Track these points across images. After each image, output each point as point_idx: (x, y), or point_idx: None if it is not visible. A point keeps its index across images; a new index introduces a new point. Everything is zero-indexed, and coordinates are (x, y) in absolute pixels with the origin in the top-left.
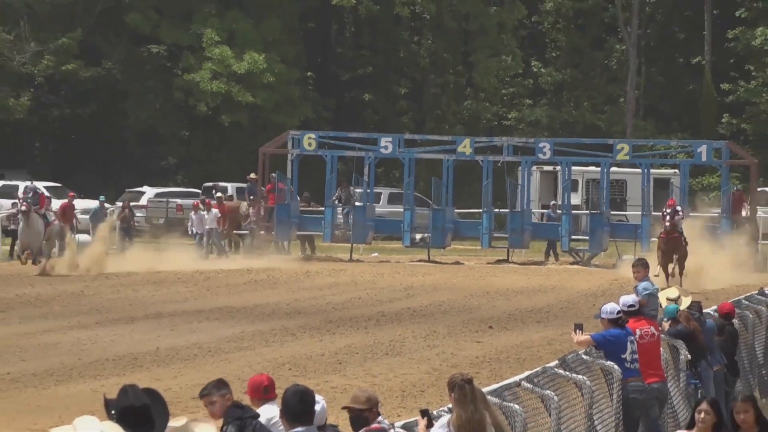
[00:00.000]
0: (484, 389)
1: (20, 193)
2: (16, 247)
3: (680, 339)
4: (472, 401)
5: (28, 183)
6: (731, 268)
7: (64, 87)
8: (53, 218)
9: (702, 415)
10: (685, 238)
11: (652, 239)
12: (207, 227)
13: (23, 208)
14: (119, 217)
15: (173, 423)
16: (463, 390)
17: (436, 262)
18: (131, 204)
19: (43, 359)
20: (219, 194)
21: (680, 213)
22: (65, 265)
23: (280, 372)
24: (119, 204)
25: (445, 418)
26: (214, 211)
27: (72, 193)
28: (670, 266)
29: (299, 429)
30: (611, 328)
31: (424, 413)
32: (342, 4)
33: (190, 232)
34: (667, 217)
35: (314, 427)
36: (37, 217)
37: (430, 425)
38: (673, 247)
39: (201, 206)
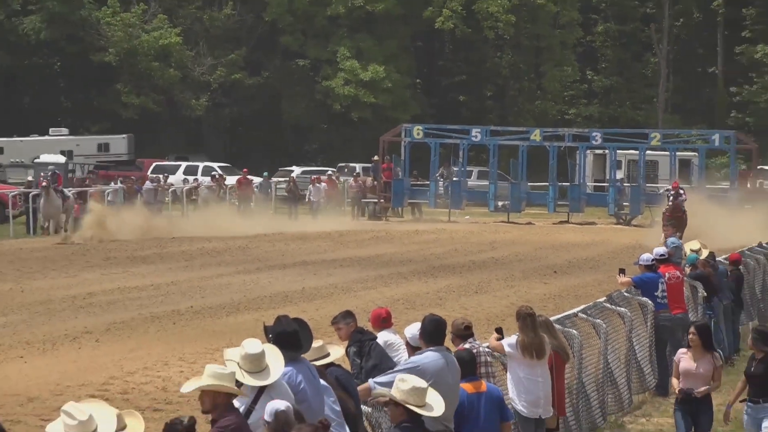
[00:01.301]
0: (551, 318)
1: (150, 174)
2: (39, 220)
3: (699, 281)
4: (533, 328)
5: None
6: (738, 227)
7: (233, 91)
8: (68, 195)
9: (690, 336)
10: (685, 212)
11: None
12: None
13: (44, 184)
14: (287, 189)
15: (314, 345)
16: (525, 320)
17: (513, 222)
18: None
19: (217, 296)
20: (356, 172)
21: (683, 195)
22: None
23: (395, 306)
24: (273, 180)
25: (514, 338)
26: (323, 185)
27: (246, 170)
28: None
29: (432, 348)
30: (646, 272)
31: (498, 330)
32: (443, 27)
33: (306, 200)
34: (670, 198)
35: (444, 347)
36: (54, 194)
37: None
38: (677, 225)
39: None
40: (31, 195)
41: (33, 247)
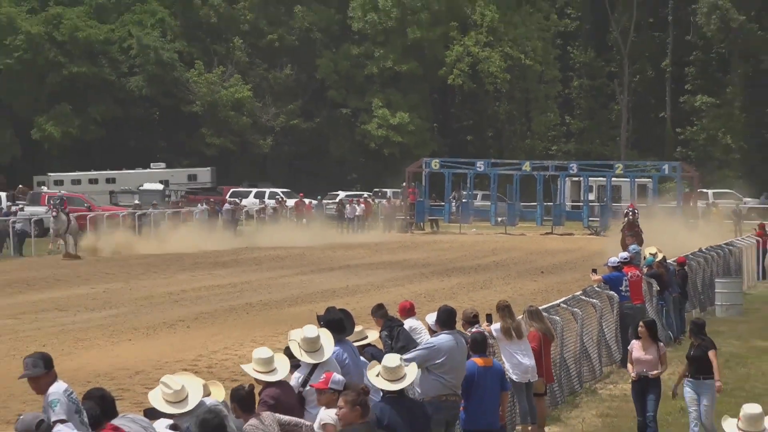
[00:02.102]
0: (540, 308)
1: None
2: (50, 236)
3: (654, 278)
4: (510, 315)
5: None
6: (683, 237)
7: (291, 133)
8: (73, 217)
9: (640, 329)
10: (640, 228)
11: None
12: (349, 215)
13: (53, 213)
14: (336, 209)
15: (356, 329)
16: (503, 311)
17: (509, 234)
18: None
19: (280, 293)
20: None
21: (636, 213)
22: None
23: (418, 299)
24: (324, 201)
25: (498, 325)
26: (361, 206)
27: (302, 194)
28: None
29: (446, 331)
30: (613, 272)
31: (488, 317)
32: (453, 83)
33: (344, 217)
34: (629, 215)
35: (457, 331)
36: (63, 215)
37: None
38: (635, 237)
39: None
40: (136, 215)
41: (138, 254)
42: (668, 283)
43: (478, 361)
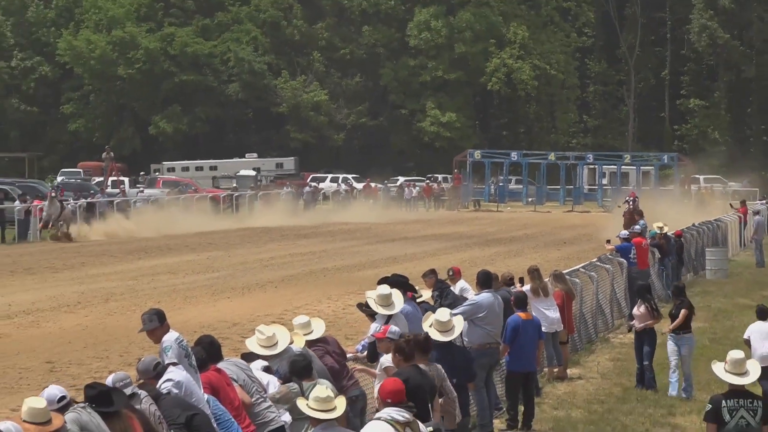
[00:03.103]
0: (564, 271)
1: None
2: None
3: (656, 248)
4: (538, 278)
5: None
6: (680, 214)
7: (360, 129)
8: (68, 203)
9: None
10: (641, 212)
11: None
12: (407, 197)
13: (52, 194)
14: (396, 191)
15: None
16: (532, 273)
17: (538, 211)
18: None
19: (351, 259)
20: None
21: (637, 200)
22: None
23: (463, 265)
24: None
25: (528, 285)
26: (417, 188)
27: (369, 179)
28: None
29: (486, 291)
30: (624, 243)
31: (521, 281)
32: (492, 89)
33: (403, 198)
34: (630, 203)
35: (493, 290)
36: (56, 201)
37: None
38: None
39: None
40: (234, 195)
41: (235, 228)
42: (668, 252)
43: (521, 315)
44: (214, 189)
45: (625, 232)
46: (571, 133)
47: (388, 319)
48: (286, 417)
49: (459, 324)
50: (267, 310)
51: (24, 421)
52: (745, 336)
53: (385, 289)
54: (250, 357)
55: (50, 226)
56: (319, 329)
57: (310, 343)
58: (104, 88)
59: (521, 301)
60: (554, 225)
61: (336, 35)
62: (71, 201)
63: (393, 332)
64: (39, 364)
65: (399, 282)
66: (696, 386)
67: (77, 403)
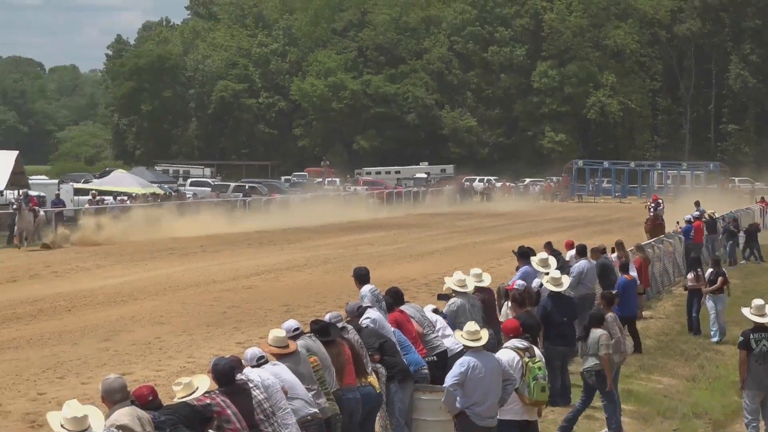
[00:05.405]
0: (642, 244)
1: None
2: (15, 233)
3: (707, 227)
4: (622, 249)
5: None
6: (720, 205)
7: (499, 146)
8: (40, 212)
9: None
10: (663, 220)
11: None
12: (532, 192)
13: (15, 206)
14: (523, 188)
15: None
16: (618, 246)
17: (622, 203)
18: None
19: (492, 235)
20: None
21: (661, 205)
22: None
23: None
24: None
25: (615, 254)
26: (538, 186)
27: (505, 179)
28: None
29: (583, 258)
30: (687, 225)
31: (604, 249)
32: (590, 118)
33: (529, 193)
34: (651, 209)
35: (594, 259)
36: (27, 212)
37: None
38: (657, 232)
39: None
40: (411, 191)
41: (412, 214)
42: (714, 231)
43: (627, 276)
44: (399, 187)
45: (689, 216)
46: (645, 149)
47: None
48: (448, 342)
49: (566, 281)
50: (435, 270)
51: (270, 345)
52: None
53: (543, 254)
54: (363, 278)
55: (25, 239)
56: (487, 280)
57: (477, 289)
58: (322, 117)
59: (625, 266)
60: (634, 213)
61: (482, 80)
62: (42, 211)
63: (519, 285)
64: (278, 307)
65: (524, 252)
66: (731, 327)
67: (306, 333)
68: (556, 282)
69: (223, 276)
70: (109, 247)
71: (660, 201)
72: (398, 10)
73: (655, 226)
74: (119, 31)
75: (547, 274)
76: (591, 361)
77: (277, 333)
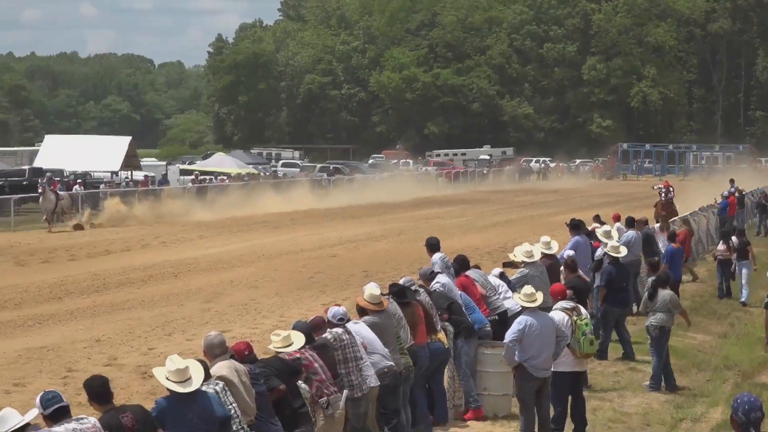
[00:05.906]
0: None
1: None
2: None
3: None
4: (665, 221)
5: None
6: (751, 182)
7: (552, 131)
8: (61, 194)
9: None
10: (674, 205)
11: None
12: (582, 172)
13: (40, 189)
14: (574, 168)
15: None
16: (661, 218)
17: (661, 180)
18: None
19: (547, 209)
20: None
21: (672, 192)
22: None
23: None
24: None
25: (658, 224)
26: (587, 167)
27: (558, 161)
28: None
29: (631, 228)
30: (723, 200)
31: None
32: (633, 106)
33: (579, 172)
34: (662, 194)
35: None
36: (50, 193)
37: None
38: (669, 215)
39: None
40: (474, 171)
41: (478, 191)
42: (743, 205)
43: (674, 245)
44: (463, 167)
45: (726, 192)
46: (682, 133)
47: (574, 246)
48: (508, 303)
49: (624, 249)
50: (497, 240)
51: (366, 301)
52: None
53: (606, 227)
54: (434, 247)
55: (47, 219)
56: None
57: (544, 255)
58: (397, 106)
59: (673, 236)
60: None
61: (538, 73)
62: (64, 192)
63: (569, 254)
64: (358, 272)
65: (575, 224)
66: (758, 290)
67: (385, 294)
68: (616, 250)
69: (311, 246)
70: (210, 221)
71: (671, 188)
72: (464, 11)
73: (669, 213)
74: (219, 31)
75: (607, 245)
76: (658, 317)
77: (373, 291)
